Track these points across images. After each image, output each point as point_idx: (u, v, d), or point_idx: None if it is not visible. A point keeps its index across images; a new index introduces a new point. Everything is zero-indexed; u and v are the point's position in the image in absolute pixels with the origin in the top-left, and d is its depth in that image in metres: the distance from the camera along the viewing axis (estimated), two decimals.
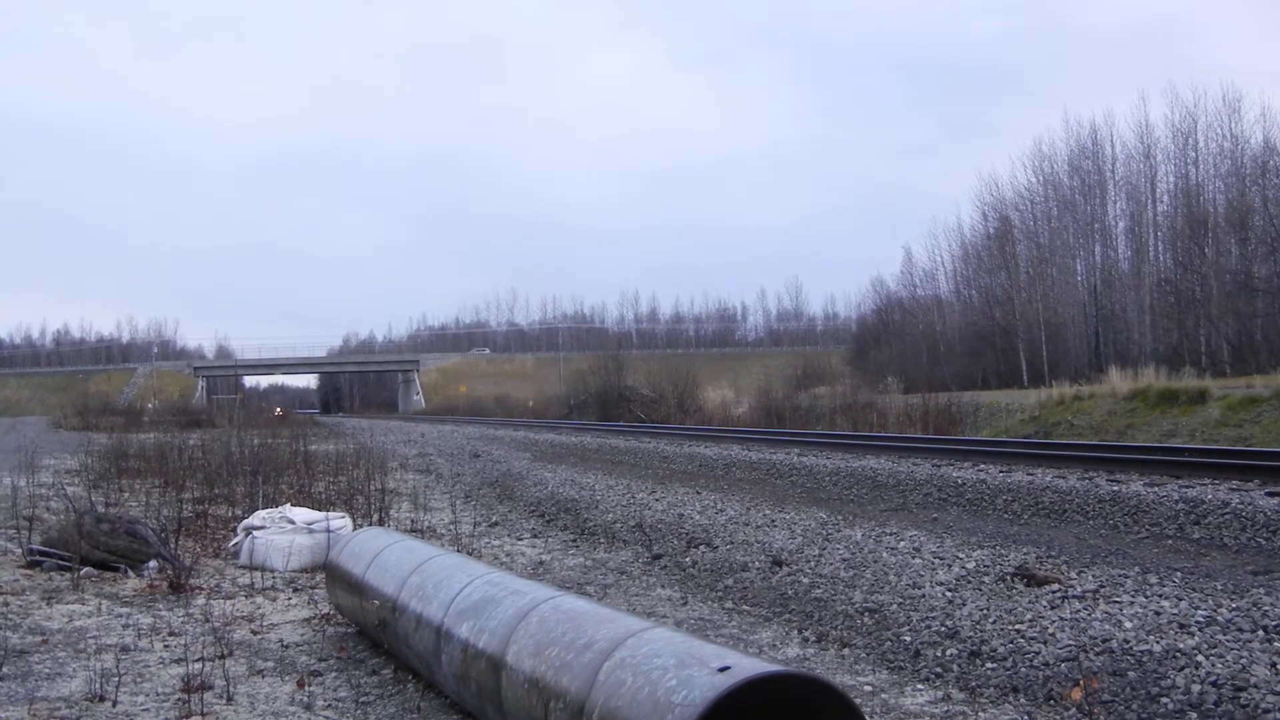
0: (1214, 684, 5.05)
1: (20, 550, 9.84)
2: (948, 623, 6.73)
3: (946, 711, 5.28)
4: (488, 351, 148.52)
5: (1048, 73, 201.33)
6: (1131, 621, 6.14)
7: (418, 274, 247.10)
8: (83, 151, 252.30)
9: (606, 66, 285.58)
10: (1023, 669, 5.75)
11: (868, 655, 6.50)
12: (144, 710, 5.34)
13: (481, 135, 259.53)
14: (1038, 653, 5.89)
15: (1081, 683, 5.38)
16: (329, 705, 5.49)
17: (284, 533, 9.90)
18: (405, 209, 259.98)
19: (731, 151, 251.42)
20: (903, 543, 9.46)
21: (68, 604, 8.03)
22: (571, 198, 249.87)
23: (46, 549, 9.49)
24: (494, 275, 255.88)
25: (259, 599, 8.44)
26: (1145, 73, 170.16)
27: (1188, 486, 11.95)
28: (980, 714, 5.23)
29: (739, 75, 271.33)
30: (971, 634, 6.43)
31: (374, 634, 6.30)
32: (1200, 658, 5.38)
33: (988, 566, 8.08)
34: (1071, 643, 5.92)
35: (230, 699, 5.52)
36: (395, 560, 6.21)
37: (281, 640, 7.04)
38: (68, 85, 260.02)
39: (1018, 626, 6.39)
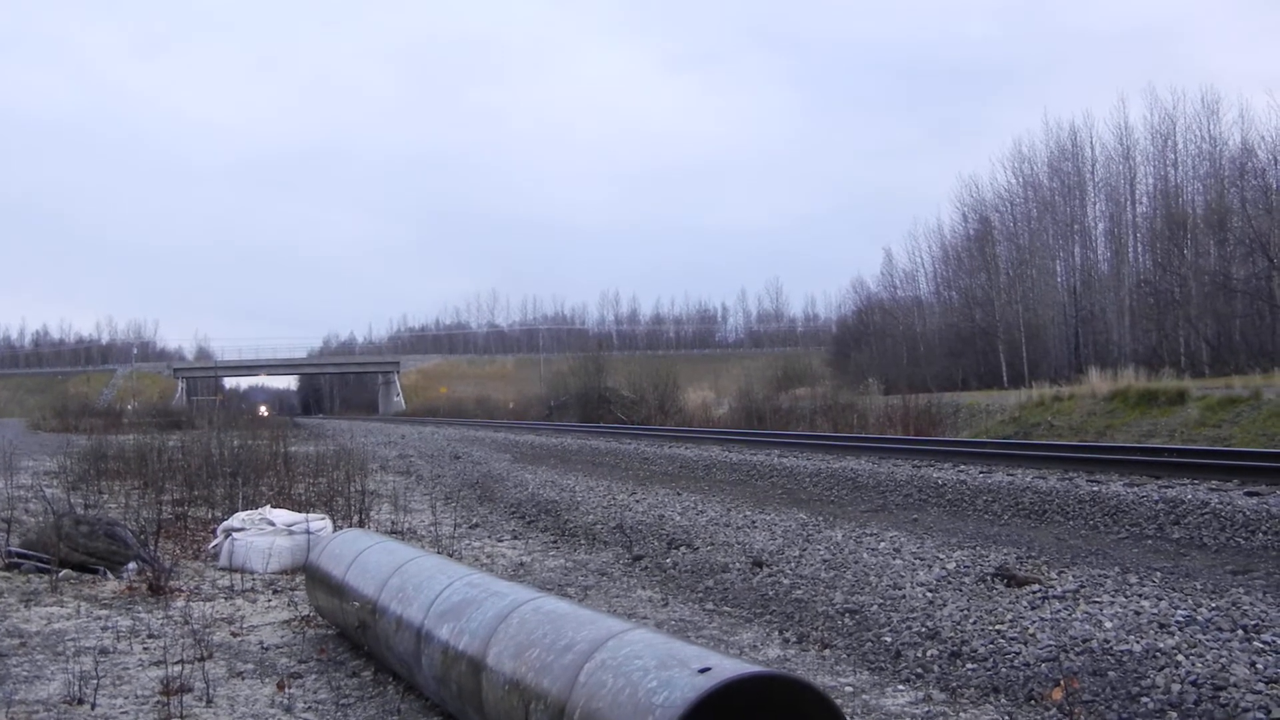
0: (1194, 683, 5.07)
1: None
2: (928, 623, 6.74)
3: (927, 712, 5.29)
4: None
5: (1038, 76, 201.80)
6: (1112, 621, 6.16)
7: (399, 275, 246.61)
8: (68, 150, 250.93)
9: (598, 68, 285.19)
10: (1003, 669, 5.76)
11: (848, 656, 6.50)
12: (123, 713, 5.31)
13: (471, 136, 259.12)
14: (1018, 653, 5.91)
15: (1062, 683, 5.40)
16: (309, 707, 5.47)
17: (264, 534, 9.86)
18: (391, 210, 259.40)
19: (721, 153, 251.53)
20: (883, 543, 9.48)
21: (46, 606, 7.98)
22: (559, 198, 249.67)
23: (24, 551, 9.43)
24: (477, 276, 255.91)
25: (239, 601, 8.40)
26: (1132, 76, 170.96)
27: (1167, 487, 12.00)
28: (961, 714, 5.24)
29: (731, 77, 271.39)
30: (952, 634, 6.44)
31: (354, 636, 6.28)
32: (1180, 657, 5.41)
33: (968, 567, 8.11)
34: (1052, 643, 5.94)
35: (210, 701, 5.50)
36: (375, 562, 6.19)
37: (261, 642, 7.01)
38: (55, 83, 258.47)
39: (998, 627, 6.41)
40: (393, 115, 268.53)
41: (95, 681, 5.66)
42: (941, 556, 8.64)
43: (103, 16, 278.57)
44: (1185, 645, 5.59)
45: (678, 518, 12.03)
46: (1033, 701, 5.33)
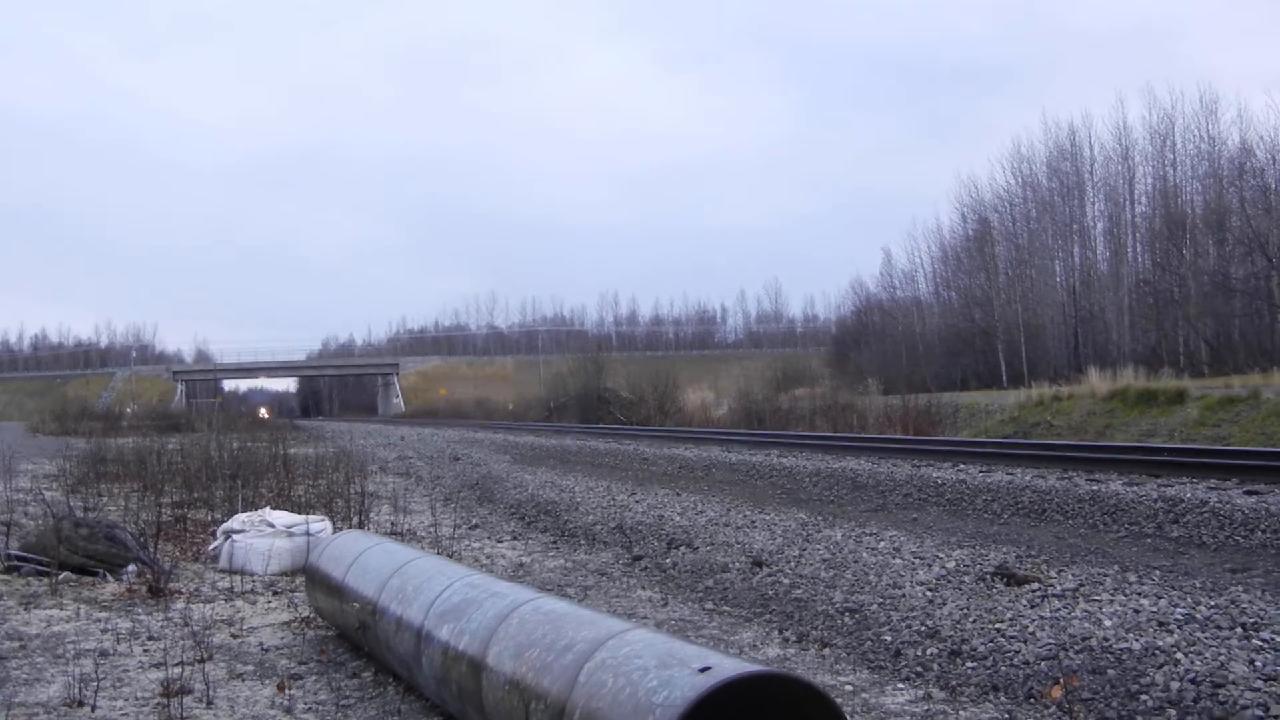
0: (1193, 681, 5.07)
1: None
2: (928, 622, 6.75)
3: (927, 710, 5.29)
4: None
5: (1038, 75, 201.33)
6: (1111, 620, 6.16)
7: (398, 277, 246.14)
8: (64, 152, 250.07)
9: (596, 68, 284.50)
10: (1003, 668, 5.76)
11: (848, 655, 6.51)
12: (123, 715, 5.31)
13: (468, 136, 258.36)
14: (1018, 651, 5.91)
15: (1061, 681, 5.40)
16: (309, 708, 5.47)
17: (263, 536, 9.86)
18: (388, 211, 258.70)
19: (719, 153, 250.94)
20: (883, 543, 9.48)
21: (46, 609, 7.99)
22: (557, 199, 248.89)
23: (24, 554, 9.43)
24: (475, 278, 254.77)
25: (238, 602, 8.41)
26: (1131, 76, 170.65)
27: (1166, 486, 12.01)
28: (961, 713, 5.25)
29: (728, 77, 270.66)
30: (952, 633, 6.45)
31: (354, 637, 6.28)
32: (1179, 655, 5.41)
33: (968, 566, 8.11)
34: (1051, 641, 5.95)
35: (210, 703, 5.50)
36: (375, 563, 6.19)
37: (261, 644, 7.01)
38: (52, 84, 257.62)
39: (998, 625, 6.42)
40: (390, 116, 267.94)
41: (95, 684, 5.66)
42: (941, 555, 8.64)
43: (100, 17, 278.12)
44: (1184, 643, 5.59)
45: (677, 518, 12.03)
46: (1032, 699, 5.34)
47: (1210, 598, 6.55)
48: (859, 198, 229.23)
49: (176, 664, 6.06)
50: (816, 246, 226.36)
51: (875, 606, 7.32)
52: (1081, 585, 7.14)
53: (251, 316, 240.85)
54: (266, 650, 6.84)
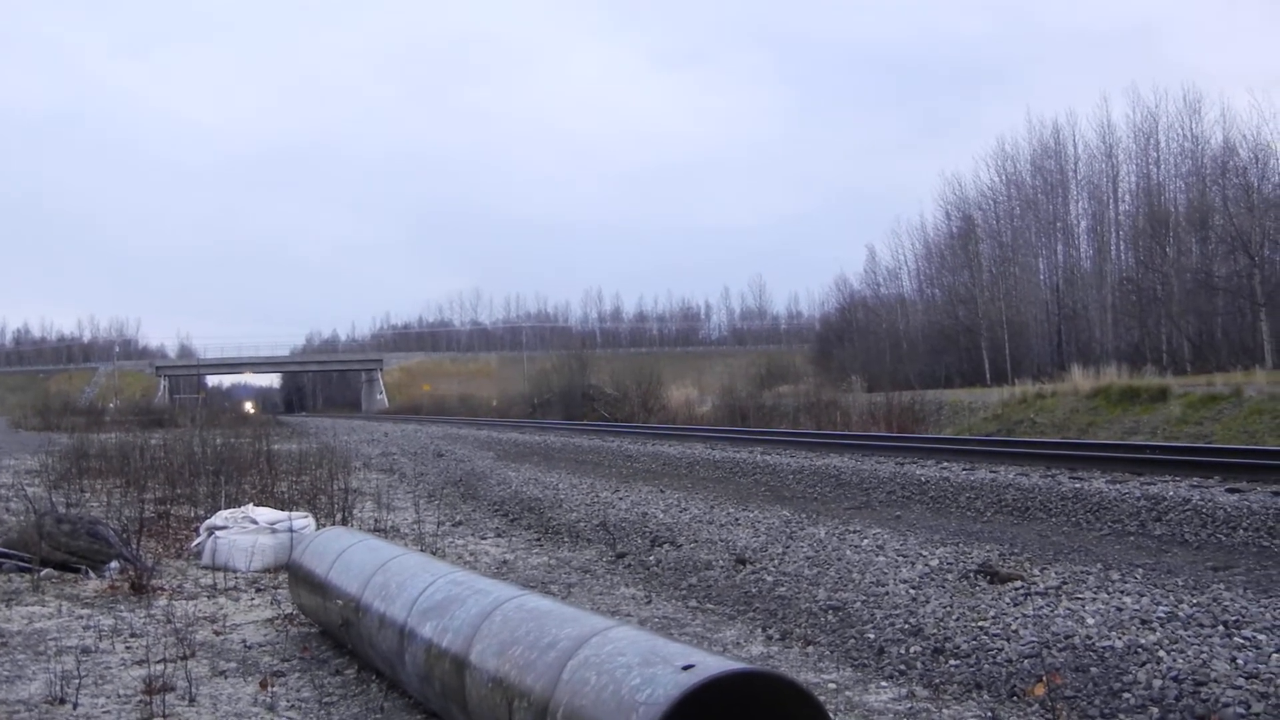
0: (1175, 679, 5.09)
1: None
2: (911, 620, 6.76)
3: (910, 709, 5.30)
4: None
5: (1031, 75, 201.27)
6: (1094, 618, 6.18)
7: (383, 273, 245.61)
8: (54, 148, 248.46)
9: (593, 67, 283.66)
10: (986, 666, 5.78)
11: (832, 653, 6.52)
12: (105, 713, 5.29)
13: (464, 136, 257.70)
14: (1001, 649, 5.93)
15: (1044, 679, 5.42)
16: (292, 706, 5.45)
17: (247, 533, 9.83)
18: (376, 208, 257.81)
19: (708, 151, 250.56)
20: (866, 540, 9.49)
21: (27, 606, 7.95)
22: (544, 197, 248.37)
23: (6, 550, 9.38)
24: (461, 274, 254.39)
25: (221, 599, 8.38)
26: (1116, 74, 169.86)
27: (1149, 483, 12.04)
28: (944, 711, 5.26)
29: (723, 76, 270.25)
30: (935, 631, 6.46)
31: (337, 634, 6.27)
32: (1161, 653, 5.43)
33: (951, 564, 8.12)
34: (1034, 639, 5.96)
35: (193, 700, 5.48)
36: (358, 560, 6.18)
37: (244, 641, 6.99)
38: (41, 81, 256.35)
39: (981, 623, 6.43)
40: (387, 115, 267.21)
41: (77, 681, 5.64)
42: (924, 553, 8.65)
43: (99, 17, 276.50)
44: (1166, 641, 5.61)
45: (661, 515, 12.03)
46: (1015, 698, 5.35)
47: (1192, 595, 6.57)
48: (849, 196, 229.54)
49: (159, 661, 6.04)
50: (806, 245, 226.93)
51: (859, 604, 7.33)
52: (1064, 583, 7.16)
53: (236, 312, 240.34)
54: (249, 647, 6.82)
